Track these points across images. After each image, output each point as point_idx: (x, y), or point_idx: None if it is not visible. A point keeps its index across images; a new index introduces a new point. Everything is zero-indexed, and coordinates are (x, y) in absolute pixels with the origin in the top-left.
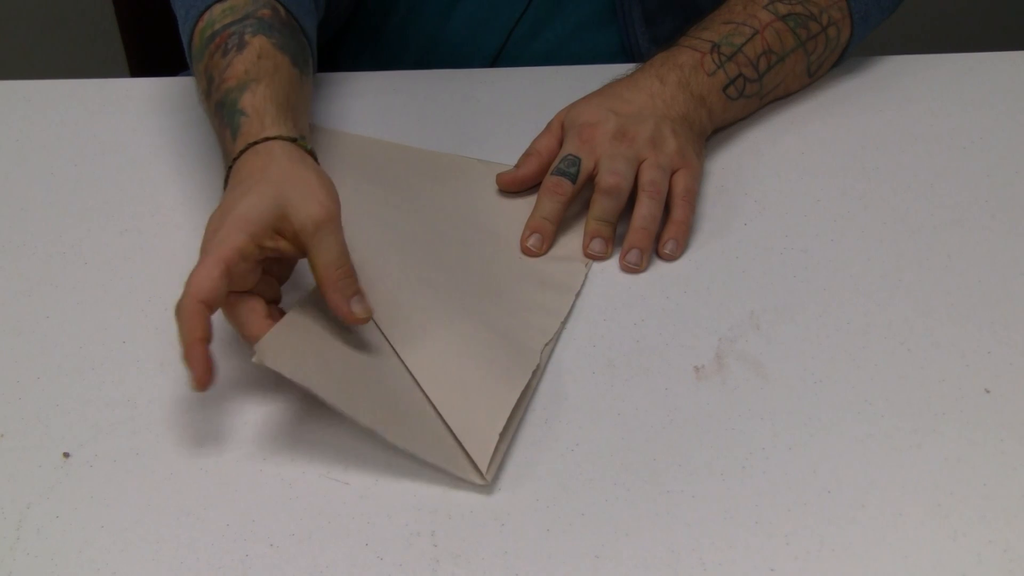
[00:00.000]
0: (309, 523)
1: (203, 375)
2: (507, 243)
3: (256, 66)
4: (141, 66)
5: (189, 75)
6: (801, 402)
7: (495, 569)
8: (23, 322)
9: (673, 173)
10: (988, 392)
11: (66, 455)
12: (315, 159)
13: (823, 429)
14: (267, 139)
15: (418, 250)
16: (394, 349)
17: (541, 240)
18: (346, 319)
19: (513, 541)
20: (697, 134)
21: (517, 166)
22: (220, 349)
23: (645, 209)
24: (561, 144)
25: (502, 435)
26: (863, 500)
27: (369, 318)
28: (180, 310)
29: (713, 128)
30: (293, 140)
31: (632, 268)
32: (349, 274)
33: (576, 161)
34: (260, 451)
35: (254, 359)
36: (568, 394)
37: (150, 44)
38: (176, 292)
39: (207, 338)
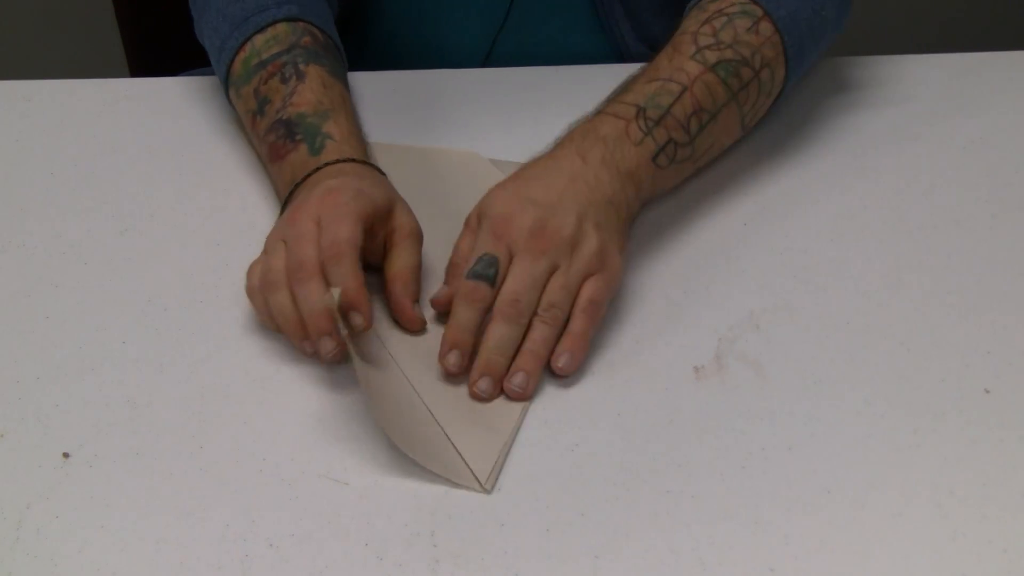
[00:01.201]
0: (309, 523)
1: (370, 315)
2: None
3: (327, 96)
4: (141, 66)
5: (189, 75)
6: (801, 402)
7: (495, 569)
8: (23, 322)
9: (585, 278)
10: (988, 392)
11: (66, 455)
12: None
13: (823, 429)
14: (353, 160)
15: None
16: (398, 364)
17: (460, 357)
18: (406, 316)
19: (513, 541)
20: (624, 220)
21: (445, 282)
22: (220, 348)
23: (538, 334)
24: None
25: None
26: (863, 500)
27: (424, 323)
28: (341, 257)
29: (642, 205)
30: (378, 169)
31: (518, 393)
32: (418, 281)
33: (493, 261)
34: (260, 451)
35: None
36: (568, 394)
37: (150, 44)
38: (176, 292)
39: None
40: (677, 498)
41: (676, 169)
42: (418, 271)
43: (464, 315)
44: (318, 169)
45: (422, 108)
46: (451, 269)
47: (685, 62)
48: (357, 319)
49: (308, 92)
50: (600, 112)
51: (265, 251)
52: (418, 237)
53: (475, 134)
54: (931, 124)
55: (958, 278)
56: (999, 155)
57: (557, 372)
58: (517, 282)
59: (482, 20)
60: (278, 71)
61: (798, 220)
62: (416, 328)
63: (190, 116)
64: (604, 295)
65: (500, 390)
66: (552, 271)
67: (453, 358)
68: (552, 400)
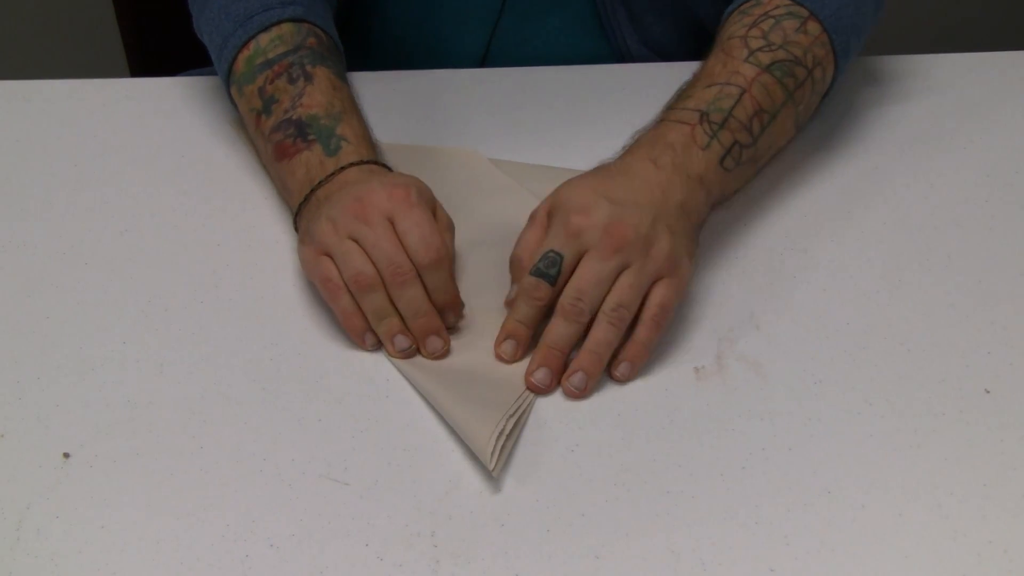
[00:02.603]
0: (309, 523)
1: (461, 315)
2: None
3: (337, 98)
4: (141, 66)
5: (189, 75)
6: (801, 402)
7: (495, 569)
8: (23, 322)
9: (654, 282)
10: (988, 392)
11: (66, 455)
12: None
13: (823, 429)
14: (371, 162)
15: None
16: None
17: (515, 347)
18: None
19: (513, 541)
20: (694, 225)
21: (514, 286)
22: (220, 348)
23: (601, 334)
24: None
25: (507, 434)
26: (863, 500)
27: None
28: (439, 264)
29: (710, 209)
30: (385, 167)
31: (574, 393)
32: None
33: (557, 260)
34: (260, 451)
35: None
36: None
37: (150, 44)
38: (176, 292)
39: None
40: (677, 498)
41: (741, 171)
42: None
43: (522, 310)
44: (342, 169)
45: (421, 109)
46: (514, 262)
47: (740, 65)
48: (451, 318)
49: (318, 94)
50: (663, 120)
51: (330, 248)
52: (453, 230)
53: (475, 134)
54: (931, 124)
55: (958, 278)
56: (999, 155)
57: (614, 378)
58: (583, 280)
59: (479, 16)
60: (284, 71)
61: (798, 220)
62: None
63: (190, 116)
64: (673, 301)
65: (557, 383)
66: (621, 269)
67: (508, 347)
68: (552, 400)
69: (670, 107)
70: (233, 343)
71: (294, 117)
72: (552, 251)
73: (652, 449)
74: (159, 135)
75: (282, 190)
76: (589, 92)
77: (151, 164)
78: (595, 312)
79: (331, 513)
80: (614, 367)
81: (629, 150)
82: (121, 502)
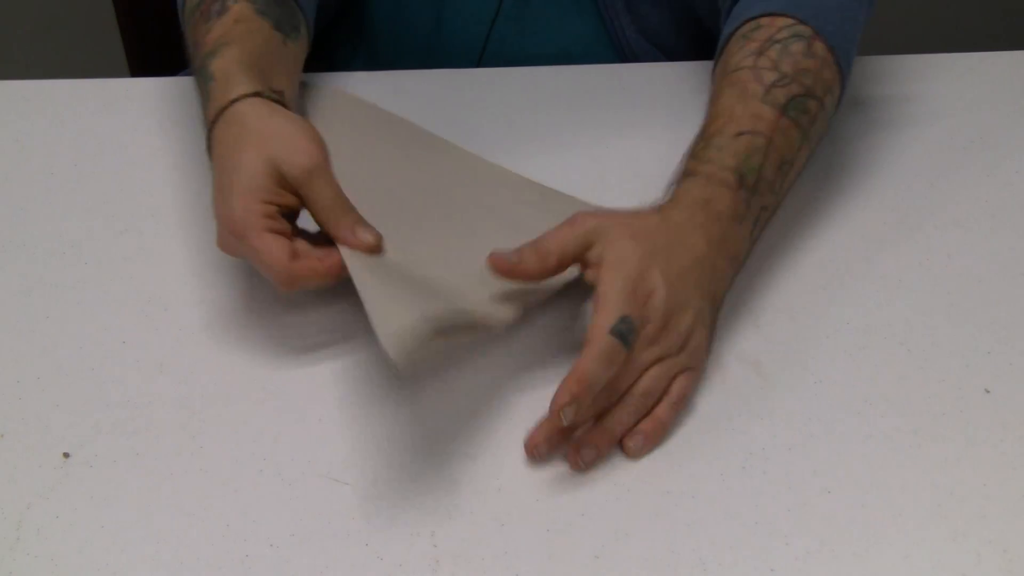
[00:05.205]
0: (309, 523)
1: (332, 267)
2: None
3: (231, 30)
4: (141, 66)
5: (189, 75)
6: (801, 402)
7: (495, 569)
8: (23, 322)
9: (680, 372)
10: (988, 392)
11: (66, 455)
12: (287, 107)
13: (823, 429)
14: (233, 101)
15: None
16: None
17: (575, 413)
18: (359, 248)
19: (513, 541)
20: (717, 309)
21: (520, 256)
22: (220, 348)
23: (624, 417)
24: (577, 248)
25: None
26: (863, 500)
27: (379, 241)
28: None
29: None
30: (257, 94)
31: (580, 467)
32: (347, 210)
33: (633, 329)
34: (260, 451)
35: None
36: None
37: (150, 44)
38: (176, 292)
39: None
40: (677, 498)
41: (760, 232)
42: (337, 201)
43: (596, 373)
44: (208, 135)
45: (420, 109)
46: (538, 245)
47: (758, 107)
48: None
49: (217, 29)
50: (706, 175)
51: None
52: (318, 172)
53: (474, 135)
54: (931, 124)
55: (958, 278)
56: (999, 155)
57: (625, 451)
58: (631, 371)
59: (479, 4)
60: (208, 10)
61: (798, 220)
62: (376, 247)
63: (190, 116)
64: (691, 391)
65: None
66: (656, 360)
67: (570, 412)
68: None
69: (705, 154)
70: (233, 343)
71: (196, 64)
72: (628, 317)
73: (652, 449)
74: (159, 135)
75: None
76: (589, 92)
77: (151, 164)
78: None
79: (331, 513)
80: (629, 438)
81: (677, 205)
82: (121, 502)
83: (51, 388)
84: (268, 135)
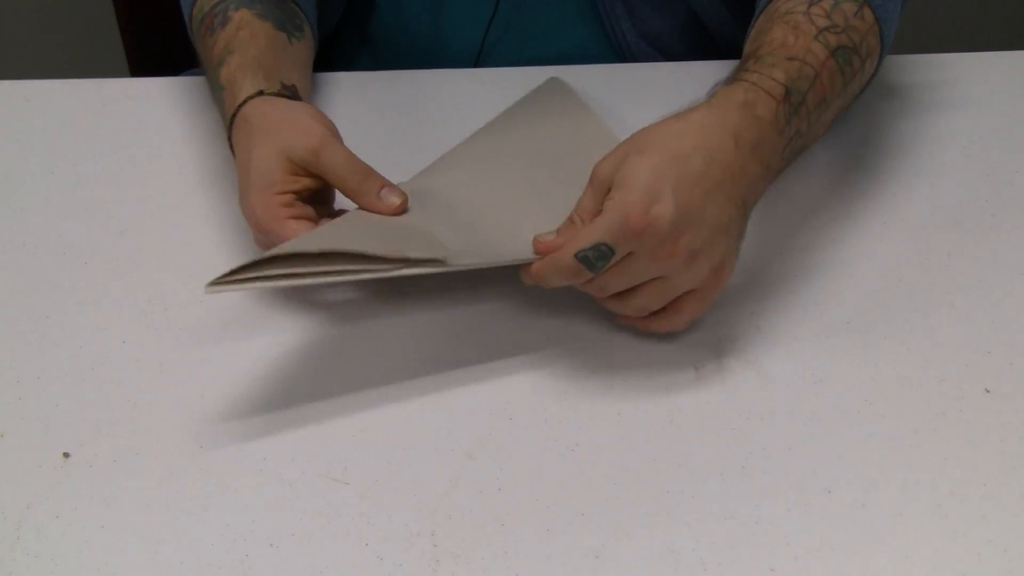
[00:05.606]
0: (309, 523)
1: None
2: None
3: (234, 38)
4: (141, 66)
5: (189, 75)
6: (801, 402)
7: (495, 569)
8: (23, 322)
9: (684, 294)
10: (988, 392)
11: (66, 455)
12: (301, 98)
13: (823, 429)
14: (240, 106)
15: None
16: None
17: (533, 286)
18: (385, 213)
19: (513, 541)
20: (746, 218)
21: (560, 237)
22: (220, 348)
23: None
24: (601, 200)
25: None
26: (863, 500)
27: (405, 201)
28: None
29: None
30: (260, 93)
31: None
32: (367, 175)
33: (606, 255)
34: (260, 451)
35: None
36: (568, 394)
37: (150, 44)
38: (176, 292)
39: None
40: (677, 498)
41: (788, 160)
42: (351, 168)
43: (552, 279)
44: (229, 139)
45: (419, 109)
46: (570, 221)
47: (811, 43)
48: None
49: (221, 40)
50: (750, 80)
51: None
52: (325, 146)
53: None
54: (931, 124)
55: (958, 278)
56: (999, 155)
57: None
58: (617, 281)
59: (477, 7)
60: (211, 23)
61: (798, 220)
62: (401, 208)
63: (190, 116)
64: (701, 314)
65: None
66: (658, 276)
67: (528, 282)
68: (552, 400)
69: (755, 66)
70: (233, 343)
71: (210, 77)
72: (605, 245)
73: (652, 449)
74: (159, 135)
75: None
76: (589, 92)
77: (151, 164)
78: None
79: (331, 513)
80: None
81: (715, 106)
82: (121, 502)
83: (51, 388)
84: (271, 128)
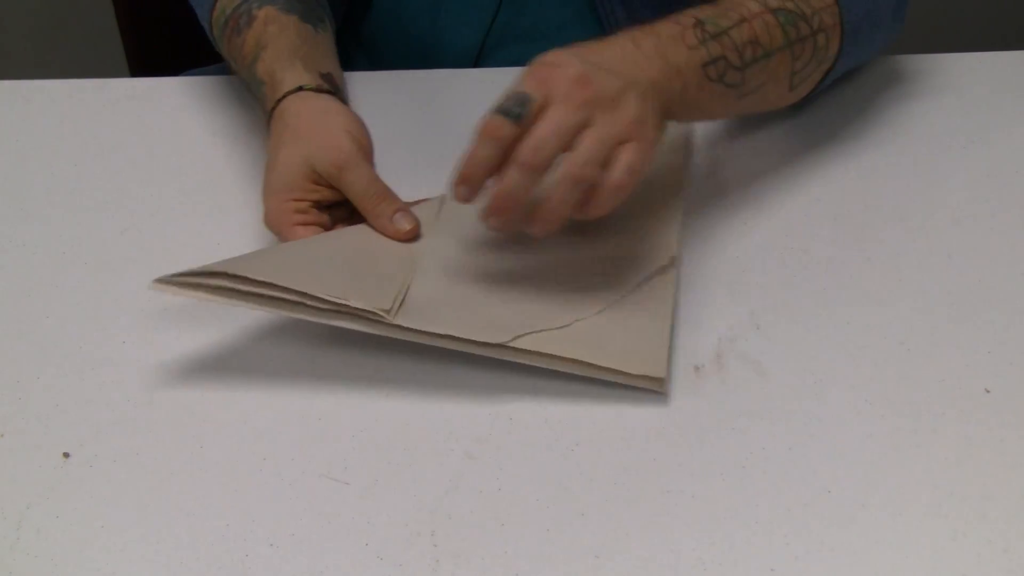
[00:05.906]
0: (309, 523)
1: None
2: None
3: (264, 34)
4: (141, 66)
5: (189, 75)
6: (801, 402)
7: (495, 569)
8: (23, 322)
9: (619, 143)
10: (988, 392)
11: (66, 455)
12: (338, 87)
13: (823, 429)
14: (279, 100)
15: None
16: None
17: (469, 190)
18: (396, 237)
19: (513, 541)
20: (664, 105)
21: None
22: (220, 348)
23: (562, 195)
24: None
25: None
26: (863, 500)
27: (416, 228)
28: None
29: (685, 112)
30: (300, 88)
31: (536, 232)
32: (384, 198)
33: (525, 100)
34: (260, 451)
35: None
36: (568, 394)
37: (150, 44)
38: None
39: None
40: (677, 498)
41: (722, 91)
42: (371, 190)
43: (480, 151)
44: (272, 112)
45: (418, 109)
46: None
47: (748, 1)
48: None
49: (250, 38)
50: (664, 20)
51: None
52: (350, 166)
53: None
54: (931, 124)
55: (958, 278)
56: (999, 155)
57: (585, 215)
58: (545, 129)
59: (477, 9)
60: (236, 24)
61: (798, 220)
62: (412, 234)
63: (190, 116)
64: (641, 165)
65: (510, 226)
66: (585, 126)
67: (462, 191)
68: (552, 400)
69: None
70: (233, 343)
71: (244, 76)
72: (520, 92)
73: (652, 449)
74: (159, 135)
75: None
76: None
77: (151, 164)
78: (549, 168)
79: (331, 513)
80: (584, 206)
81: (614, 35)
82: (121, 502)
83: (51, 388)
84: (304, 133)
